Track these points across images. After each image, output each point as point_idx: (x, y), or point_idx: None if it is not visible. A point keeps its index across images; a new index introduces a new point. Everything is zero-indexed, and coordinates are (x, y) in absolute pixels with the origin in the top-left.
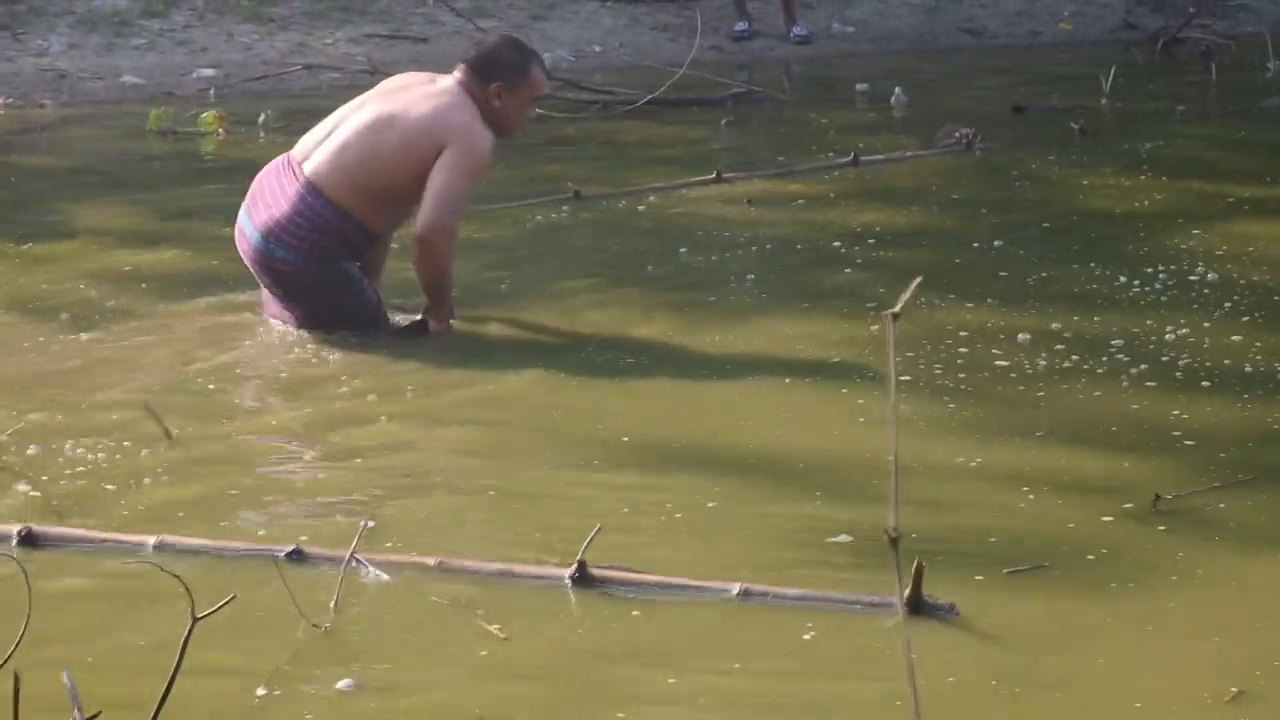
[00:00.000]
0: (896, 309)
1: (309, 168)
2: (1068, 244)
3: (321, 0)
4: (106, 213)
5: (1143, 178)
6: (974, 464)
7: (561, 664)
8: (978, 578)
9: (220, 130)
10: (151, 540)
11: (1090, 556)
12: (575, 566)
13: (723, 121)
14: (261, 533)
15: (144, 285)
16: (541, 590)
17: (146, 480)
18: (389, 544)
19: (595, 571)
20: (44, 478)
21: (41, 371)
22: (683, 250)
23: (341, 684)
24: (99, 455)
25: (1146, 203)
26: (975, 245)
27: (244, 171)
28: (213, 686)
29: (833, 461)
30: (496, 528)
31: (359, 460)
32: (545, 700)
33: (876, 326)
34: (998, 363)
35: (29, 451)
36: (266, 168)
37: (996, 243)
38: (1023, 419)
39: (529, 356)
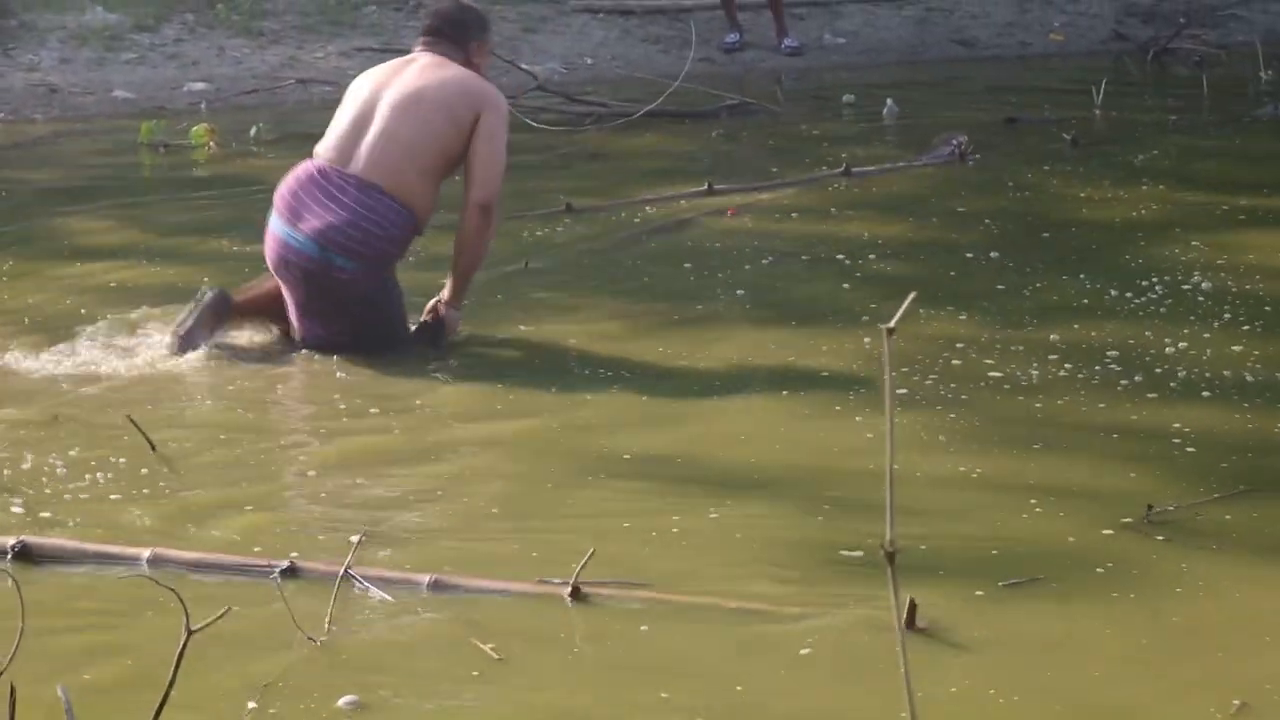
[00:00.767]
0: (892, 324)
1: (360, 169)
2: (1064, 255)
3: (312, 14)
4: (97, 226)
5: (1139, 188)
6: (973, 476)
7: (559, 683)
8: (976, 591)
9: (212, 144)
10: (146, 553)
11: (1090, 568)
12: (571, 585)
13: (714, 133)
14: (257, 549)
15: (133, 298)
16: (536, 607)
17: (136, 493)
18: (384, 556)
19: (589, 590)
20: (35, 492)
21: (30, 385)
22: (676, 264)
23: (343, 701)
24: (86, 469)
25: (1143, 213)
26: (971, 256)
27: (235, 185)
28: (207, 702)
29: (832, 475)
30: (495, 544)
31: (354, 475)
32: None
33: (869, 339)
34: (996, 374)
35: (22, 467)
36: (298, 175)
37: (993, 254)
38: (1020, 431)
39: (524, 372)
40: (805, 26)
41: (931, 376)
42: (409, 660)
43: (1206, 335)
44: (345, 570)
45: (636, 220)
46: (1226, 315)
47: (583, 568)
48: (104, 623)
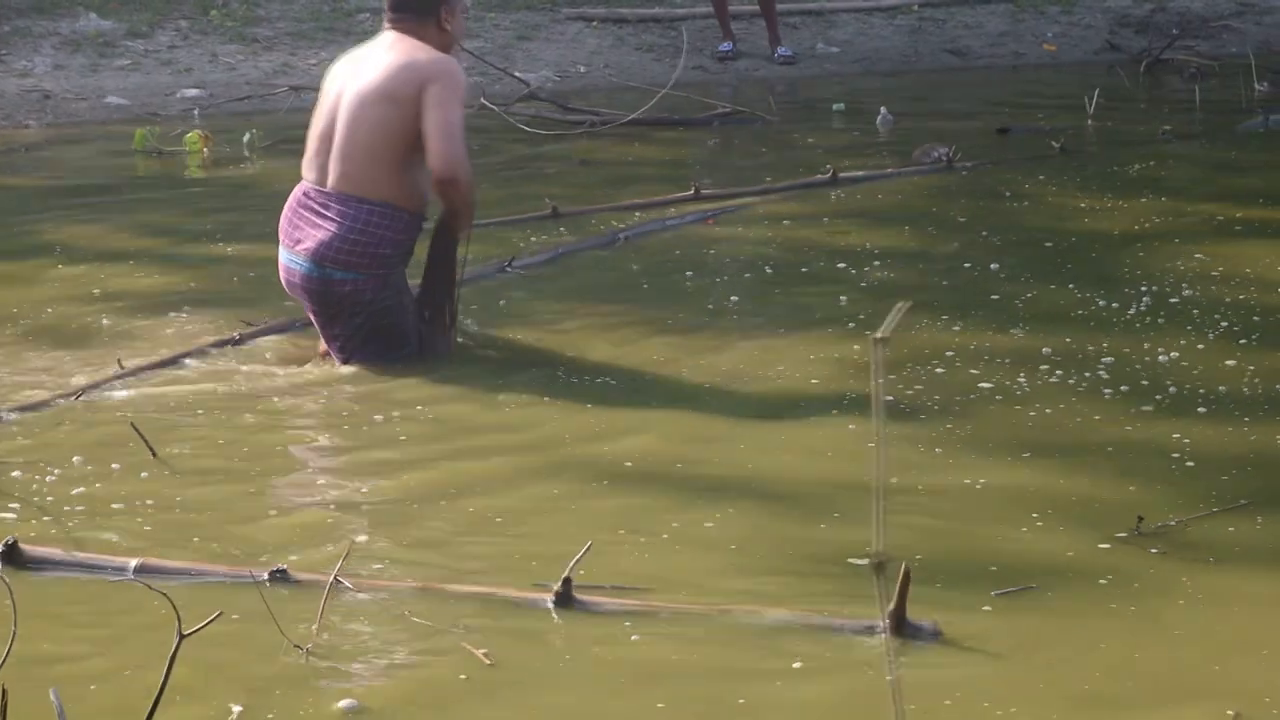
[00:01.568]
0: (883, 333)
1: (333, 181)
2: (1057, 265)
3: (305, 21)
4: (91, 232)
5: (1132, 199)
6: (964, 486)
7: (550, 689)
8: (971, 602)
9: (205, 150)
10: (133, 563)
11: (1086, 580)
12: (558, 589)
13: (710, 141)
14: (236, 552)
15: (128, 304)
16: (527, 614)
17: (135, 501)
18: (377, 566)
19: (579, 595)
20: (30, 498)
21: (23, 390)
22: (669, 271)
23: (342, 704)
24: (85, 475)
25: (1136, 223)
26: (963, 266)
27: (229, 191)
28: (199, 705)
29: (824, 484)
30: (490, 552)
31: (348, 481)
32: None
33: (858, 347)
34: (990, 385)
35: (13, 475)
36: (290, 202)
37: (986, 264)
38: (1013, 441)
39: (518, 381)
40: (798, 36)
41: (926, 386)
42: (400, 666)
43: (1201, 347)
44: (334, 577)
45: (620, 226)
46: (1223, 326)
47: (572, 568)
48: (96, 627)
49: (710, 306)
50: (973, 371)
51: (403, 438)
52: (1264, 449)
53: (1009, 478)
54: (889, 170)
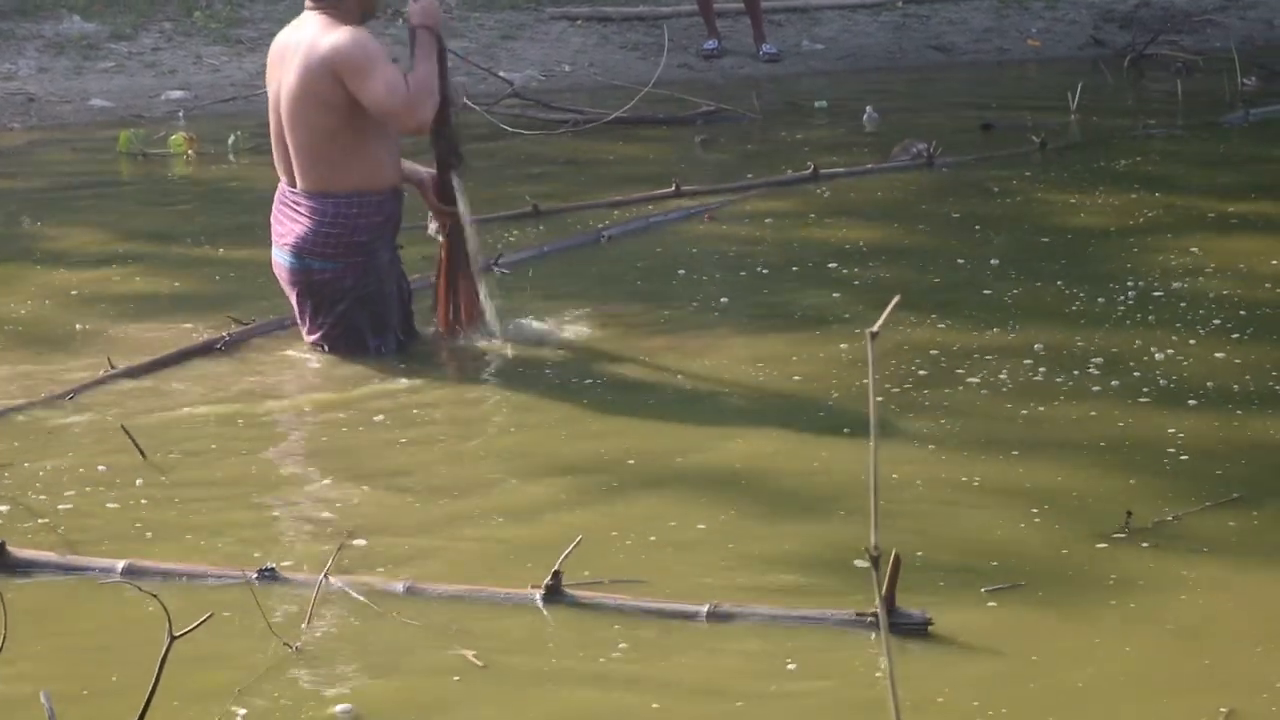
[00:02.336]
0: (876, 328)
1: (299, 181)
2: (1045, 260)
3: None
4: (77, 234)
5: (1121, 193)
6: (955, 482)
7: (542, 690)
8: (966, 599)
9: (190, 152)
10: (121, 564)
11: (1080, 576)
12: (548, 586)
13: (697, 139)
14: (221, 545)
15: (115, 306)
16: (518, 612)
17: (126, 501)
18: (369, 563)
19: (570, 592)
20: (19, 500)
21: (10, 393)
22: (658, 270)
23: (338, 709)
24: (74, 477)
25: (1125, 219)
26: (953, 262)
27: (214, 192)
28: (189, 707)
29: (817, 481)
30: (483, 551)
31: (338, 481)
32: None
33: (846, 345)
34: (981, 380)
35: (2, 478)
36: (274, 201)
37: (975, 259)
38: (1005, 437)
39: (509, 380)
40: (783, 33)
41: (916, 383)
42: (391, 667)
43: (1192, 341)
44: (324, 576)
45: (604, 224)
46: (1212, 320)
47: (562, 561)
48: (86, 629)
49: (700, 304)
50: (963, 368)
51: (393, 437)
52: (1256, 442)
53: (1000, 474)
54: (869, 166)
